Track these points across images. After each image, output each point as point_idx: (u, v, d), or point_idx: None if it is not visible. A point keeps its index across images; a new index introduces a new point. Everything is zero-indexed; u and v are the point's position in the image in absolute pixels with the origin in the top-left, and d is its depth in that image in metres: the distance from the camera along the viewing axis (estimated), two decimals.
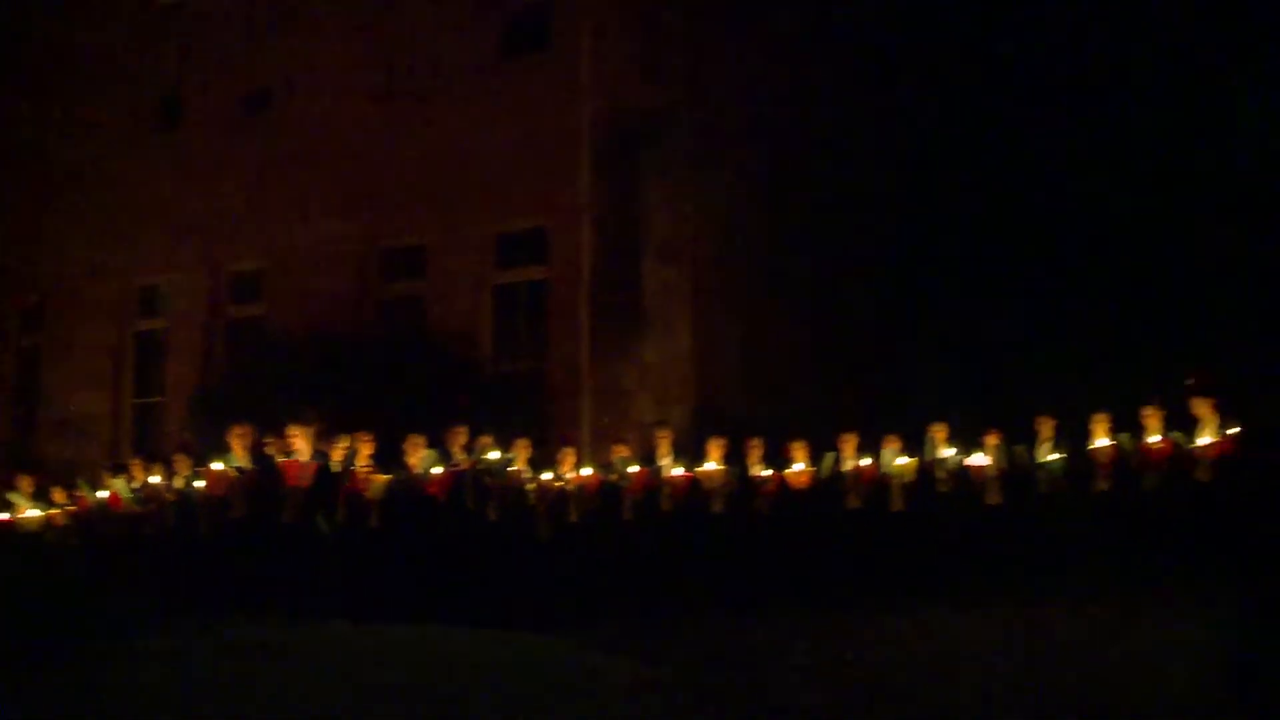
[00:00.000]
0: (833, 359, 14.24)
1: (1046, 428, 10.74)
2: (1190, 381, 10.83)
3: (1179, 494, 10.15)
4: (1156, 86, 14.39)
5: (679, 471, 11.16)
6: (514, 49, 15.05)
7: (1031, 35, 15.34)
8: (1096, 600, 9.04)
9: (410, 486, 10.80)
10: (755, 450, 11.14)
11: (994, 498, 10.75)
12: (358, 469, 10.67)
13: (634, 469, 11.29)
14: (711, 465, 11.09)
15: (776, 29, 14.80)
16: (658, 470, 11.25)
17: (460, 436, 11.14)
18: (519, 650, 7.70)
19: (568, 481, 11.33)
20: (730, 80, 14.58)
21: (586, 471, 11.45)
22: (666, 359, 13.79)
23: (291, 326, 15.05)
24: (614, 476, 11.36)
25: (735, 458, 11.18)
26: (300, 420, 10.40)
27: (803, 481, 11.02)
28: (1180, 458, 10.24)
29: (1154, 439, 10.29)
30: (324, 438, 10.71)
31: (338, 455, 10.70)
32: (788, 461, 11.10)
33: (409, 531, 10.72)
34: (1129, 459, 10.42)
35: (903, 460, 10.89)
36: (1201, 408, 10.22)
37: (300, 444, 10.30)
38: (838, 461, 11.07)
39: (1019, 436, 10.82)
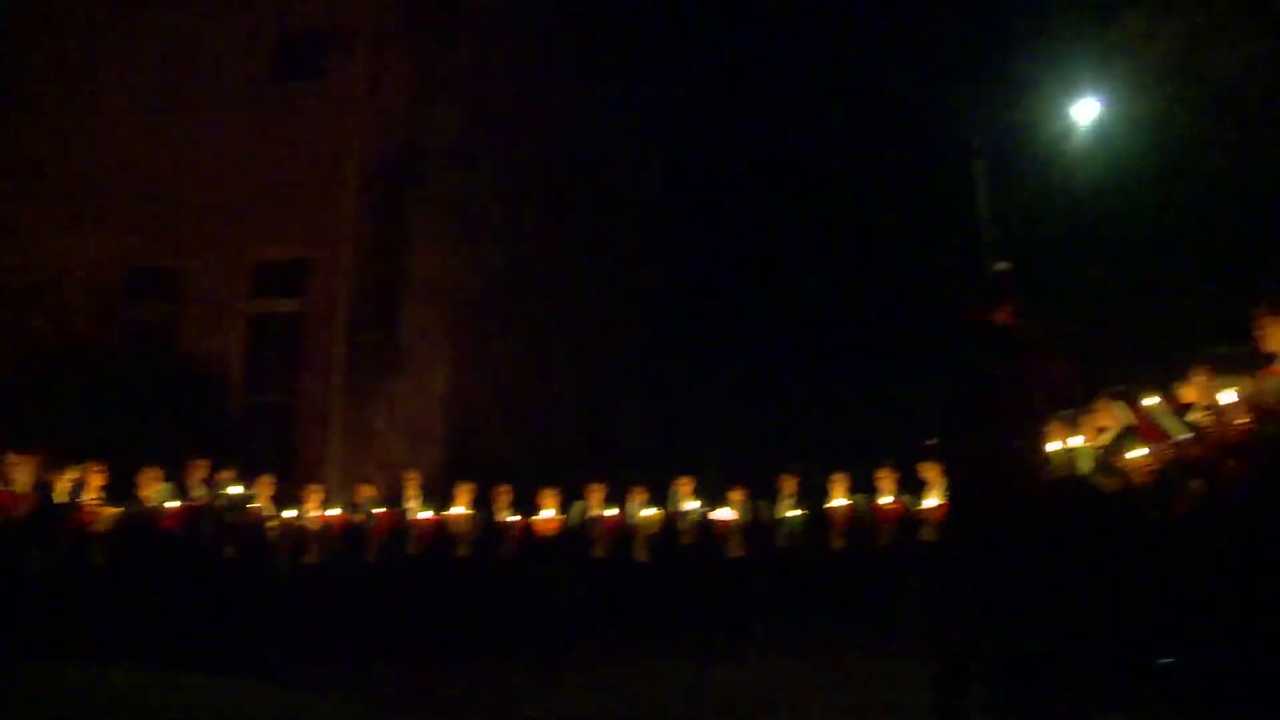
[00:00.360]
0: (588, 408, 14.39)
1: (789, 485, 11.14)
2: (928, 444, 11.35)
3: (907, 552, 10.64)
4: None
5: (426, 514, 11.03)
6: (286, 72, 14.66)
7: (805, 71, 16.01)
8: (825, 652, 9.34)
9: (143, 520, 10.32)
10: (504, 496, 11.15)
11: (735, 550, 11.04)
12: (86, 501, 10.12)
13: (380, 510, 11.10)
14: (459, 509, 11.02)
15: (555, 73, 14.97)
16: (404, 512, 11.09)
17: (200, 470, 10.72)
18: (229, 695, 7.44)
19: (311, 520, 11.04)
20: (504, 124, 14.64)
21: (332, 511, 11.19)
22: (420, 400, 13.67)
23: (25, 343, 14.16)
24: (359, 517, 11.14)
25: (484, 503, 11.14)
26: (22, 446, 9.81)
27: (551, 529, 11.07)
28: (910, 518, 10.76)
29: (886, 500, 10.81)
30: (50, 466, 10.13)
31: (64, 485, 10.13)
32: (537, 508, 11.13)
33: (139, 568, 10.22)
34: (863, 518, 10.91)
35: (648, 511, 11.07)
36: (930, 471, 10.76)
37: (19, 472, 9.70)
38: (586, 510, 11.16)
39: (762, 492, 11.19)
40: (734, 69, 16.22)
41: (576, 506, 11.18)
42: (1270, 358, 6.38)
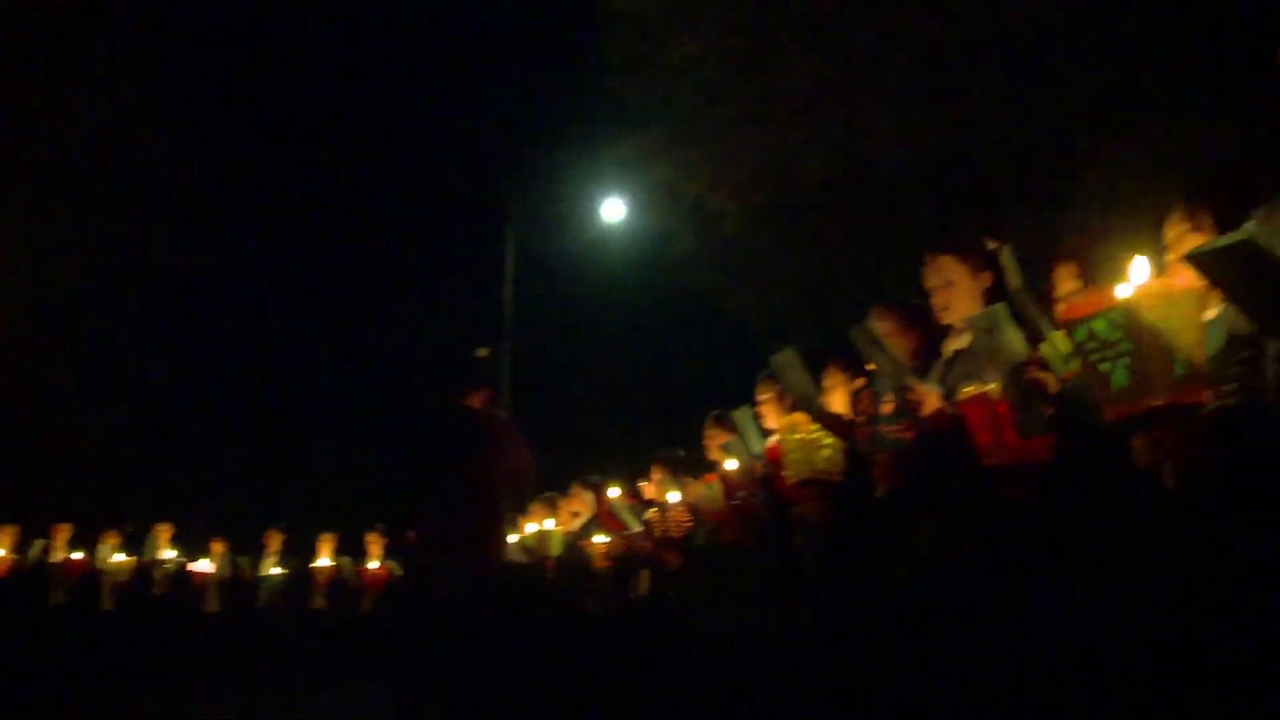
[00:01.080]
0: (68, 442, 13.44)
1: (274, 541, 10.93)
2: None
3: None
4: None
5: None
6: None
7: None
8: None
9: None
10: None
11: (212, 605, 10.67)
12: None
13: None
14: None
15: (90, 67, 13.93)
16: None
17: None
18: None
19: None
20: (29, 121, 13.41)
21: None
22: None
23: None
24: None
25: None
26: None
27: (2, 570, 10.16)
28: (394, 583, 10.83)
29: (374, 564, 10.83)
30: None
31: None
32: None
33: None
34: (349, 580, 10.85)
35: (119, 557, 10.44)
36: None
37: None
38: (47, 551, 10.34)
39: (247, 547, 10.90)
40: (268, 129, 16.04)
41: (35, 545, 10.33)
42: (712, 465, 6.95)
